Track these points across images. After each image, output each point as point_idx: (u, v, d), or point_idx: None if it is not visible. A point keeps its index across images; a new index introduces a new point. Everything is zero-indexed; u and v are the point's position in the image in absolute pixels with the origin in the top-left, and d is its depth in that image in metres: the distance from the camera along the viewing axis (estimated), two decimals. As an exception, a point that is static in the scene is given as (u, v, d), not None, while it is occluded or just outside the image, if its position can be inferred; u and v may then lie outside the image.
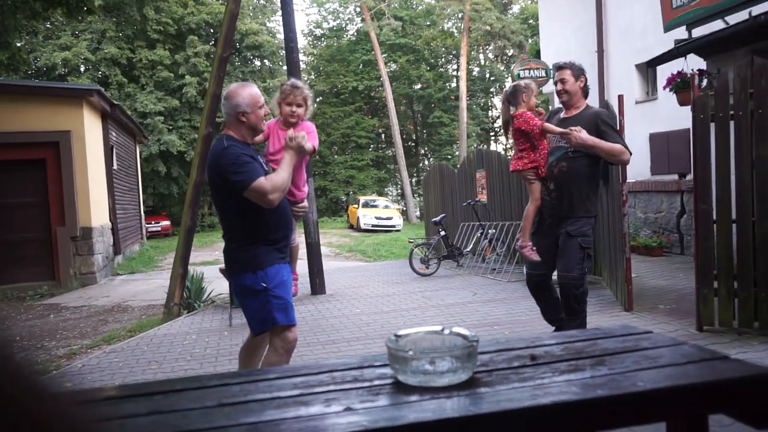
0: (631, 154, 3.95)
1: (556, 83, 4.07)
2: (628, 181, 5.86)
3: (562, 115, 4.09)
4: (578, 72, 3.99)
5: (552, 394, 1.17)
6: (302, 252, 3.33)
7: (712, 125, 4.56)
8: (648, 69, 10.04)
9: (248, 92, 3.02)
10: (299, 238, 3.46)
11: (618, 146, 3.80)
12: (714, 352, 1.38)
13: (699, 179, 4.64)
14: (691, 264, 6.53)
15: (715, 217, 4.58)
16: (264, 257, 2.98)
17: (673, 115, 8.98)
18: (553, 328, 4.15)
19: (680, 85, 6.84)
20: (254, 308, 3.02)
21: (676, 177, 9.35)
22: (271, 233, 3.03)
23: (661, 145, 9.76)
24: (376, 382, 1.27)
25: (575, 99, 4.00)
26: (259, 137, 3.20)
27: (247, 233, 2.99)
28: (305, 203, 3.43)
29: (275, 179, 2.91)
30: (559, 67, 4.09)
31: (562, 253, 3.92)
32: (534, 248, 4.02)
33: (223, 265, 3.46)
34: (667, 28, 7.40)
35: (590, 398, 1.15)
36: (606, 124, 3.89)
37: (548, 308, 4.19)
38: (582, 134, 3.76)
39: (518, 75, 13.38)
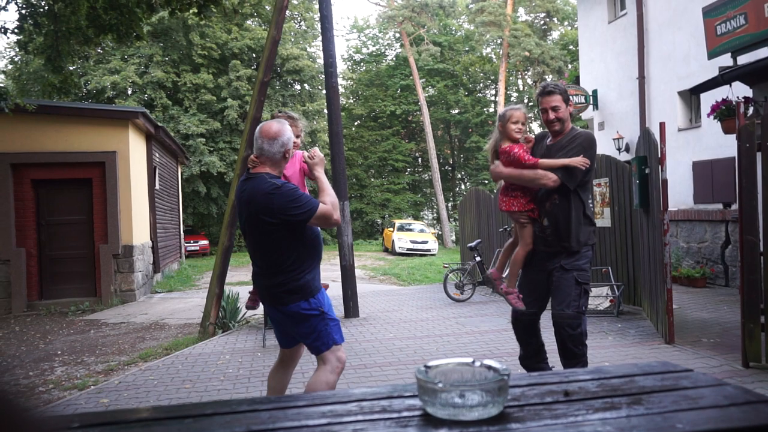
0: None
1: (544, 111, 3.56)
2: (669, 209, 5.72)
3: (548, 141, 3.66)
4: (567, 96, 3.61)
5: (586, 433, 1.13)
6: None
7: (759, 154, 4.44)
8: (691, 96, 9.86)
9: (288, 128, 3.12)
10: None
11: (531, 173, 3.44)
12: (759, 395, 1.32)
13: (745, 209, 4.51)
14: (736, 296, 6.31)
15: (762, 249, 4.42)
16: (315, 283, 3.13)
17: (717, 143, 8.78)
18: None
19: (725, 112, 6.70)
20: (313, 333, 3.10)
21: (720, 206, 9.09)
22: (316, 260, 3.17)
23: (705, 173, 9.53)
24: (405, 414, 1.25)
25: (567, 125, 3.60)
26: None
27: (298, 264, 3.06)
28: None
29: (329, 199, 3.07)
30: (547, 92, 3.56)
31: (556, 290, 3.50)
32: (520, 296, 3.62)
33: (247, 301, 3.57)
34: (712, 55, 7.27)
35: (626, 439, 1.11)
36: (576, 146, 3.49)
37: (530, 353, 3.76)
38: (497, 168, 3.54)
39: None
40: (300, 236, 3.04)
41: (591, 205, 3.70)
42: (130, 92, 26.25)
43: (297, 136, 3.36)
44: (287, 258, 3.05)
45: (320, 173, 3.22)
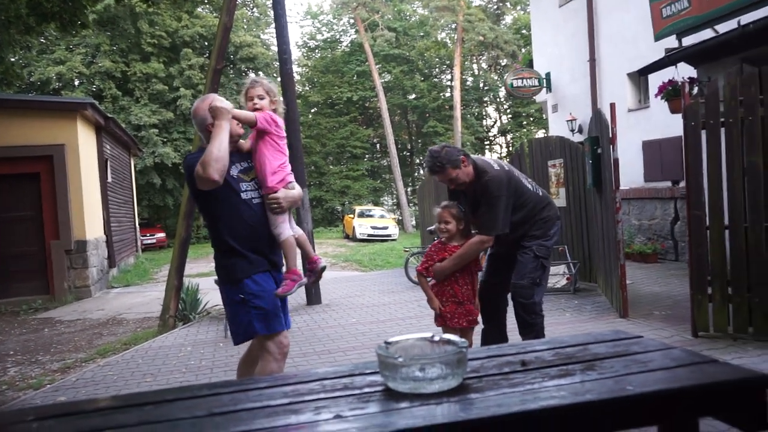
0: (495, 232, 3.55)
1: (448, 185, 3.73)
2: (621, 188, 5.88)
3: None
4: (450, 158, 3.50)
5: (541, 399, 1.17)
6: (298, 263, 3.24)
7: (704, 132, 4.59)
8: (640, 77, 10.11)
9: (204, 105, 3.03)
10: (298, 229, 3.30)
11: (465, 251, 3.57)
12: (703, 356, 1.38)
13: (691, 186, 4.67)
14: (685, 270, 6.54)
15: (707, 223, 4.59)
16: (240, 269, 2.97)
17: (665, 122, 9.04)
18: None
19: (672, 93, 6.89)
20: (236, 318, 3.03)
21: (669, 184, 9.39)
22: (242, 247, 2.96)
23: (654, 152, 9.81)
24: (366, 390, 1.27)
25: (470, 175, 3.61)
26: (246, 145, 3.15)
27: (222, 245, 3.01)
28: (278, 194, 3.02)
29: (203, 155, 2.86)
30: (437, 171, 3.58)
31: (516, 265, 3.67)
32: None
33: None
34: (658, 37, 7.46)
35: (579, 402, 1.15)
36: (484, 199, 3.58)
37: (491, 326, 3.86)
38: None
39: (511, 84, 13.48)
40: (218, 215, 2.98)
41: (530, 186, 3.75)
42: (77, 83, 25.38)
43: (260, 97, 3.11)
44: (213, 235, 3.05)
45: (214, 127, 2.91)
